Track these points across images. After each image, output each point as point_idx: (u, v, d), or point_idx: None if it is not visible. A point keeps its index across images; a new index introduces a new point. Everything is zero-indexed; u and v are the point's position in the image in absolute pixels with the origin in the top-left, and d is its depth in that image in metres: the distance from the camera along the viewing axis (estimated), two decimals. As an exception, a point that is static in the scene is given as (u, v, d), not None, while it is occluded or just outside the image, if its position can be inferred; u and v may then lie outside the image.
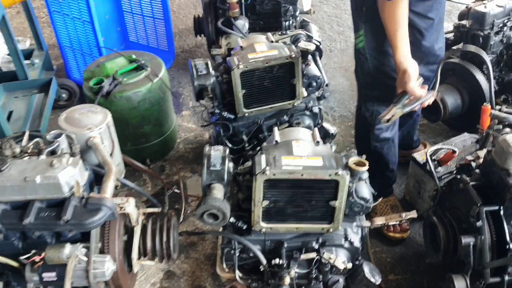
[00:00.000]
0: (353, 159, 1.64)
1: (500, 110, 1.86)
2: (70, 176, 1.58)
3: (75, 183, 1.57)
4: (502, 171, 1.65)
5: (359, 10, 2.00)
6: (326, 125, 2.43)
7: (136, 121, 2.44)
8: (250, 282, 1.78)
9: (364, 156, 1.70)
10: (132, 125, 2.45)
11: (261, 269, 1.72)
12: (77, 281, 1.59)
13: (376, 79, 2.06)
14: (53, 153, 1.77)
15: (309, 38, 3.55)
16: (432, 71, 2.13)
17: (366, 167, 1.61)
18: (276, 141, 1.80)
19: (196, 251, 2.15)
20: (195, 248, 2.15)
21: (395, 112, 1.86)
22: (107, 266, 1.64)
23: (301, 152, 1.69)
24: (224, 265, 1.80)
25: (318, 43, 3.59)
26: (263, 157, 1.66)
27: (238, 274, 1.75)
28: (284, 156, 1.65)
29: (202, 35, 3.47)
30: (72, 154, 1.72)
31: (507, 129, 1.81)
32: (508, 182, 1.62)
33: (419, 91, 1.86)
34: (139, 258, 1.85)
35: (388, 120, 1.88)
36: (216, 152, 1.73)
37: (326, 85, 3.56)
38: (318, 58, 3.68)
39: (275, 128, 1.89)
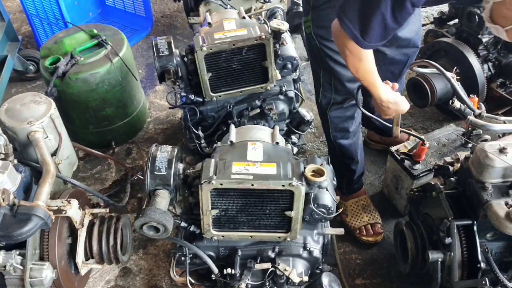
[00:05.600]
0: (311, 167, 1.49)
1: (480, 114, 1.64)
2: (-2, 182, 1.45)
3: (2, 190, 1.44)
4: (478, 184, 1.48)
5: None
6: (302, 110, 2.27)
7: (96, 103, 2.25)
8: (203, 288, 1.69)
9: (324, 163, 1.55)
10: (92, 108, 2.27)
11: (213, 278, 1.62)
12: (13, 290, 1.52)
13: (330, 66, 1.84)
14: (-13, 150, 1.65)
15: (296, 6, 3.29)
16: (405, 54, 1.95)
17: (324, 177, 1.46)
18: (231, 142, 1.64)
19: (155, 247, 2.04)
20: (154, 244, 2.04)
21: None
22: (45, 274, 1.57)
23: (256, 157, 1.55)
24: (174, 271, 1.72)
25: (306, 11, 3.31)
26: (212, 162, 1.52)
27: (189, 280, 1.65)
28: (236, 161, 1.51)
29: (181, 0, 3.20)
30: (5, 156, 1.59)
31: (487, 136, 1.61)
32: (483, 197, 1.45)
33: (407, 104, 1.76)
34: (86, 260, 1.75)
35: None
36: (163, 154, 1.58)
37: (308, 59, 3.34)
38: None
39: (232, 126, 1.72)
